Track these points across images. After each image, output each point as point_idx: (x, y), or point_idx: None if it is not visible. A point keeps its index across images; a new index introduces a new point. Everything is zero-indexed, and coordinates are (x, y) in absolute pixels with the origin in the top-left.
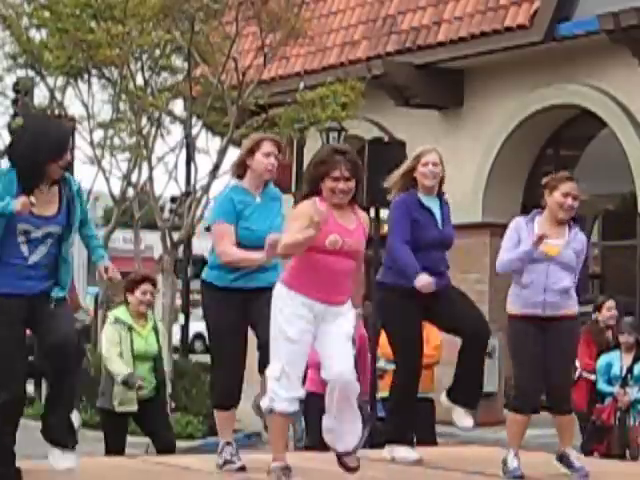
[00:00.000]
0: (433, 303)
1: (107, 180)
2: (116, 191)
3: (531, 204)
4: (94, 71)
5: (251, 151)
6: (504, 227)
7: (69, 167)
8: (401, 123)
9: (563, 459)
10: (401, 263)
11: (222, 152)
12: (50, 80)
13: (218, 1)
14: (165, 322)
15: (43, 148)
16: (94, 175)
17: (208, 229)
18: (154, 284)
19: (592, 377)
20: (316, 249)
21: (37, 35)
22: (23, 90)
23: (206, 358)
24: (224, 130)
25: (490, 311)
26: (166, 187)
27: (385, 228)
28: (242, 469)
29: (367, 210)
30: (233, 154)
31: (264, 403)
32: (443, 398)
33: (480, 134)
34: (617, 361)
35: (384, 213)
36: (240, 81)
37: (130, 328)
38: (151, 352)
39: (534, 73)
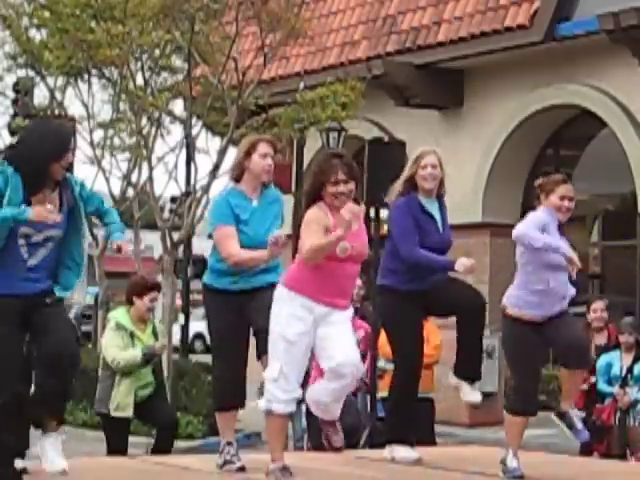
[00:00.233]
0: (431, 300)
1: (107, 180)
2: (116, 191)
3: (531, 204)
4: (94, 71)
5: (247, 153)
6: (504, 227)
7: (70, 167)
8: (401, 123)
9: (565, 417)
10: (428, 264)
11: (222, 152)
12: (50, 80)
13: (218, 1)
14: (165, 322)
15: (44, 148)
16: (94, 175)
17: (210, 237)
18: (160, 291)
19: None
20: (327, 256)
21: (37, 35)
22: (23, 90)
23: (206, 358)
24: (224, 130)
25: (490, 311)
26: (166, 187)
27: (385, 228)
28: (242, 469)
29: (367, 210)
30: (233, 154)
31: (262, 404)
32: (451, 377)
33: (480, 134)
34: (617, 361)
35: (384, 213)
36: (240, 81)
37: (132, 334)
38: None
39: (534, 73)
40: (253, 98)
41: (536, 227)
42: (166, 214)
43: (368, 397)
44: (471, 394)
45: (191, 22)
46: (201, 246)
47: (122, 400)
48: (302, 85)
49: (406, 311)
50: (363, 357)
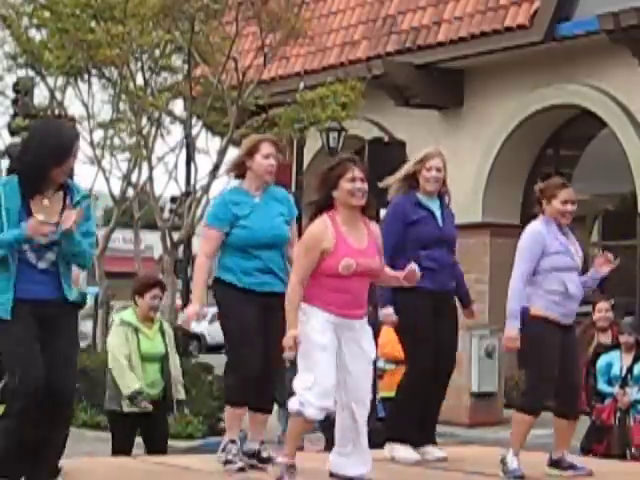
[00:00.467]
0: (440, 316)
1: (107, 180)
2: (116, 191)
3: (531, 204)
4: (94, 71)
5: (250, 153)
6: (504, 227)
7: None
8: (401, 123)
9: (562, 463)
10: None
11: (222, 152)
12: (50, 80)
13: (218, 1)
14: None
15: (46, 152)
16: (94, 175)
17: None
18: (163, 288)
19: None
20: (330, 274)
21: (37, 35)
22: (23, 90)
23: (206, 358)
24: (224, 130)
25: (490, 311)
26: (166, 187)
27: None
28: (242, 469)
29: None
30: (233, 154)
31: (292, 405)
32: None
33: (480, 134)
34: (617, 361)
35: (384, 213)
36: (240, 81)
37: (136, 329)
38: (158, 353)
39: (534, 73)
40: (253, 98)
41: (533, 259)
42: (166, 214)
43: None
44: (406, 453)
45: (191, 22)
46: None
47: None
48: (302, 85)
49: (420, 312)
50: None
